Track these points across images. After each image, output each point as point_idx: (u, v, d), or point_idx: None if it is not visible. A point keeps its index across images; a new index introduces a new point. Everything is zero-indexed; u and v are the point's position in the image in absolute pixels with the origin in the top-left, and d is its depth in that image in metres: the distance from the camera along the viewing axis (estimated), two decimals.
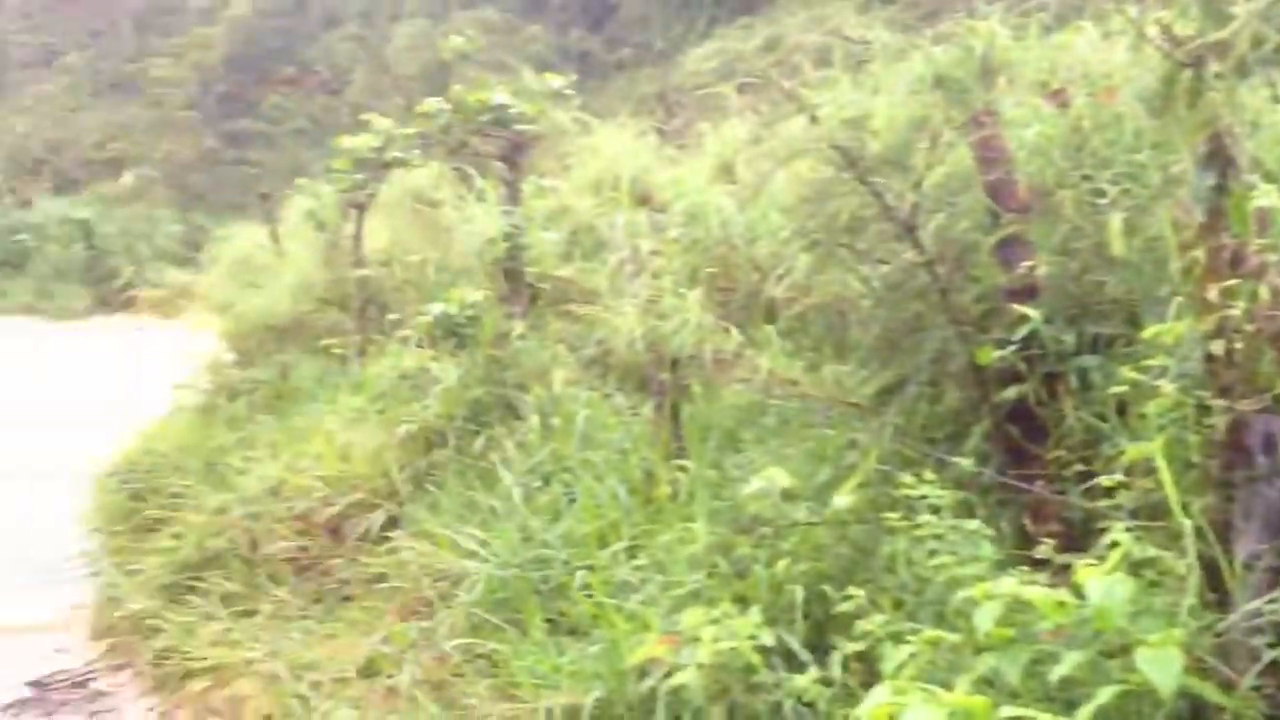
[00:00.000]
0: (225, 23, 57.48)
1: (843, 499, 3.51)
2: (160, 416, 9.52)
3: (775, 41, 27.26)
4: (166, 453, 8.12)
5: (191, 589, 6.25)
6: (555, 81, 6.64)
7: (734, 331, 4.72)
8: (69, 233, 37.12)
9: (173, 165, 42.97)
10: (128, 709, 5.70)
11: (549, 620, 4.29)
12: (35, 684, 6.01)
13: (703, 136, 6.77)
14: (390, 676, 4.67)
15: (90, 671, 6.22)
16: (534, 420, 5.40)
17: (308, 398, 8.14)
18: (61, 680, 6.09)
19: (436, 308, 6.05)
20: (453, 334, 5.98)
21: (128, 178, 45.20)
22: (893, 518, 3.31)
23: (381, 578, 5.49)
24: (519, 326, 5.97)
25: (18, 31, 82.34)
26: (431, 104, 6.43)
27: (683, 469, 4.63)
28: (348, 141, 7.37)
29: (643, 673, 3.41)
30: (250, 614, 5.89)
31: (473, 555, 4.90)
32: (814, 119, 3.71)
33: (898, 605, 3.21)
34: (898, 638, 2.87)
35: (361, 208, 7.98)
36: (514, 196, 6.43)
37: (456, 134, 6.37)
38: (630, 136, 6.13)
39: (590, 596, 4.10)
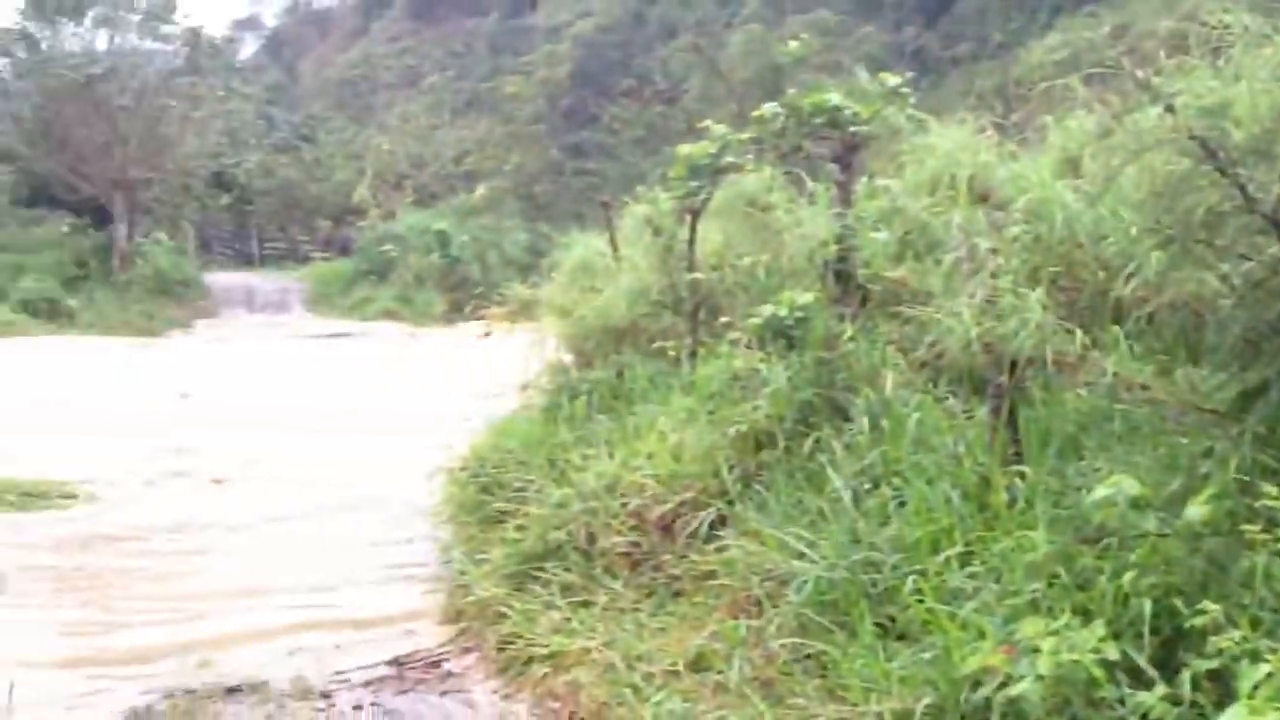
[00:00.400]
0: (571, 39, 60.07)
1: (1196, 510, 3.28)
2: (507, 415, 10.06)
3: (1124, 29, 25.82)
4: (513, 449, 8.55)
5: (534, 578, 6.58)
6: (891, 81, 6.54)
7: (1078, 333, 4.51)
8: (428, 243, 39.76)
9: (521, 177, 45.28)
10: (475, 689, 6.01)
11: (878, 624, 4.24)
12: (394, 663, 6.43)
13: (1045, 131, 6.48)
14: (719, 672, 4.75)
15: (443, 653, 6.61)
16: (863, 422, 5.35)
17: (642, 398, 8.36)
18: (417, 661, 6.49)
19: (766, 310, 6.08)
20: (782, 336, 6.00)
21: (481, 190, 48.01)
22: (1252, 530, 3.07)
23: (711, 575, 5.58)
24: (849, 328, 5.92)
25: (385, 56, 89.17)
26: (767, 109, 6.47)
27: (1020, 475, 4.46)
28: (685, 149, 7.52)
29: (977, 682, 3.31)
30: (587, 604, 6.14)
31: (801, 556, 4.91)
32: (1169, 109, 3.49)
33: (1255, 623, 2.98)
34: (1255, 656, 2.66)
35: (695, 213, 8.13)
36: (846, 198, 6.38)
37: (791, 138, 6.39)
38: (968, 133, 5.96)
39: (921, 602, 4.02)
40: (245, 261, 50.84)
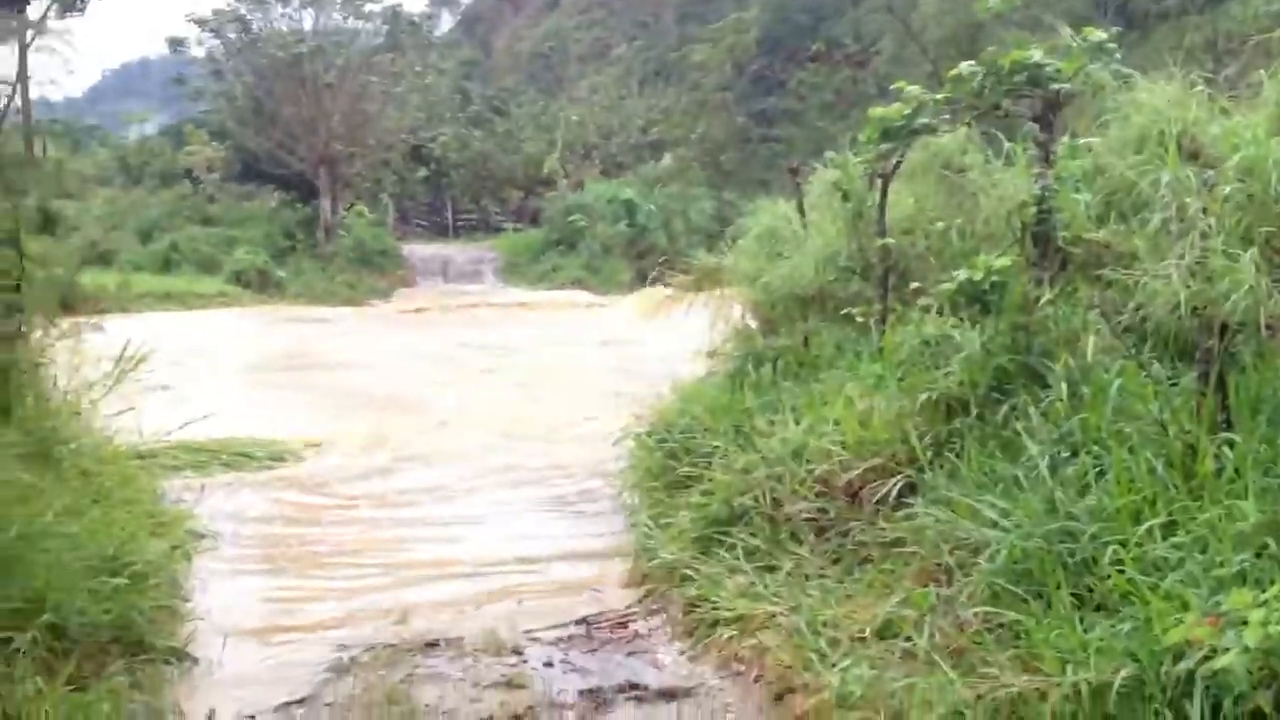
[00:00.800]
0: (759, 4, 59.50)
1: None
2: (693, 381, 10.11)
3: None
4: (698, 415, 8.59)
5: (719, 543, 6.61)
6: (1095, 35, 6.27)
7: None
8: (615, 212, 40.17)
9: (707, 145, 45.19)
10: (661, 650, 6.08)
11: (1074, 594, 4.12)
12: (582, 622, 6.56)
13: (1259, 86, 6.12)
14: (907, 639, 4.69)
15: (629, 615, 6.71)
16: (1061, 389, 5.18)
17: (829, 365, 8.30)
18: (605, 621, 6.60)
19: (961, 274, 5.94)
20: (977, 300, 5.85)
21: (667, 159, 48.14)
22: None
23: (899, 543, 5.52)
24: (1047, 292, 5.73)
25: (575, 28, 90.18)
26: (964, 68, 6.28)
27: (1229, 443, 4.26)
28: (878, 111, 7.36)
29: (1178, 654, 3.19)
30: (772, 570, 6.14)
31: (994, 525, 4.80)
32: None
33: None
34: None
35: (887, 177, 7.98)
36: (1046, 158, 6.17)
37: (989, 97, 6.19)
38: (1176, 89, 5.66)
39: (1122, 572, 3.89)
40: (440, 233, 52.34)
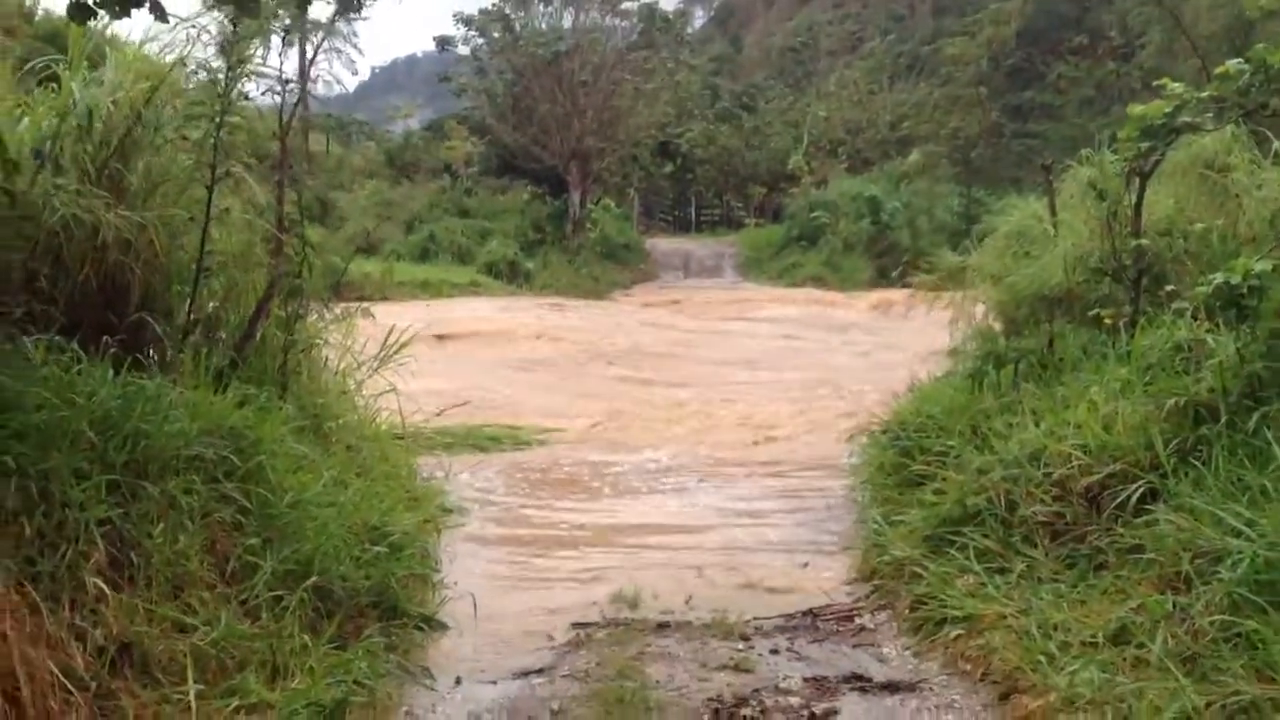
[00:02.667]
0: None
1: None
2: (931, 380, 10.04)
3: None
4: (934, 414, 8.53)
5: (950, 542, 6.57)
6: None
7: None
8: (859, 209, 39.78)
9: (958, 141, 44.14)
10: (887, 645, 6.11)
11: None
12: (809, 613, 6.66)
13: None
14: (1140, 646, 4.62)
15: (856, 608, 6.77)
16: None
17: (1073, 368, 8.10)
18: (831, 613, 6.68)
19: (1218, 277, 5.73)
20: (1234, 305, 5.63)
21: (915, 155, 47.29)
22: None
23: (1137, 549, 5.39)
24: None
25: (827, 22, 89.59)
26: (1231, 65, 6.04)
27: None
28: (1138, 108, 7.12)
29: None
30: (1003, 571, 6.08)
31: (1238, 534, 4.66)
32: None
33: None
34: None
35: (1145, 176, 7.72)
36: None
37: (1257, 95, 5.94)
38: None
39: None
40: (683, 227, 53.11)
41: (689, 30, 53.09)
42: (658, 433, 12.72)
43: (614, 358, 19.49)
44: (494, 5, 40.91)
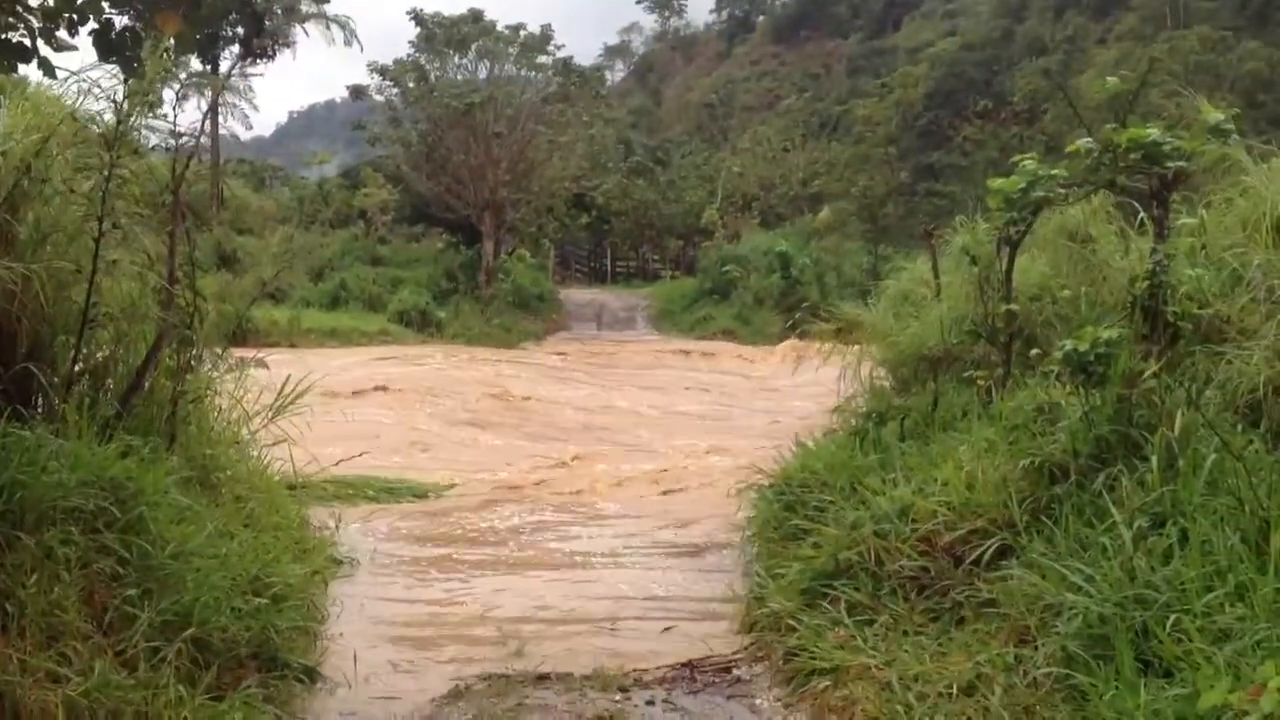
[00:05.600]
0: (930, 60, 59.36)
1: None
2: (817, 437, 10.28)
3: None
4: (817, 470, 8.76)
5: (824, 595, 6.78)
6: (1214, 116, 6.33)
7: None
8: (770, 263, 40.38)
9: (867, 199, 45.10)
10: (759, 697, 6.28)
11: (1142, 660, 4.22)
12: (687, 665, 6.80)
13: None
14: (986, 697, 4.83)
15: (735, 659, 6.93)
16: (1154, 461, 5.26)
17: (951, 426, 8.40)
18: (710, 665, 6.82)
19: (1068, 344, 6.05)
20: (1083, 370, 5.94)
21: (825, 212, 48.23)
22: None
23: (991, 603, 5.64)
24: (1153, 365, 5.80)
25: (745, 79, 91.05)
26: (1081, 144, 6.40)
27: None
28: (998, 181, 7.52)
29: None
30: (872, 623, 6.29)
31: (1077, 589, 4.91)
32: None
33: None
34: None
35: (1014, 244, 8.09)
36: (1160, 233, 6.24)
37: (1105, 173, 6.29)
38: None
39: (1181, 641, 3.99)
40: (599, 278, 53.43)
41: (607, 83, 53.71)
42: (558, 485, 12.82)
43: (518, 411, 19.55)
44: (409, 56, 41.10)
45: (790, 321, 36.25)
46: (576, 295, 44.82)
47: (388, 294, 36.38)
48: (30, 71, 5.71)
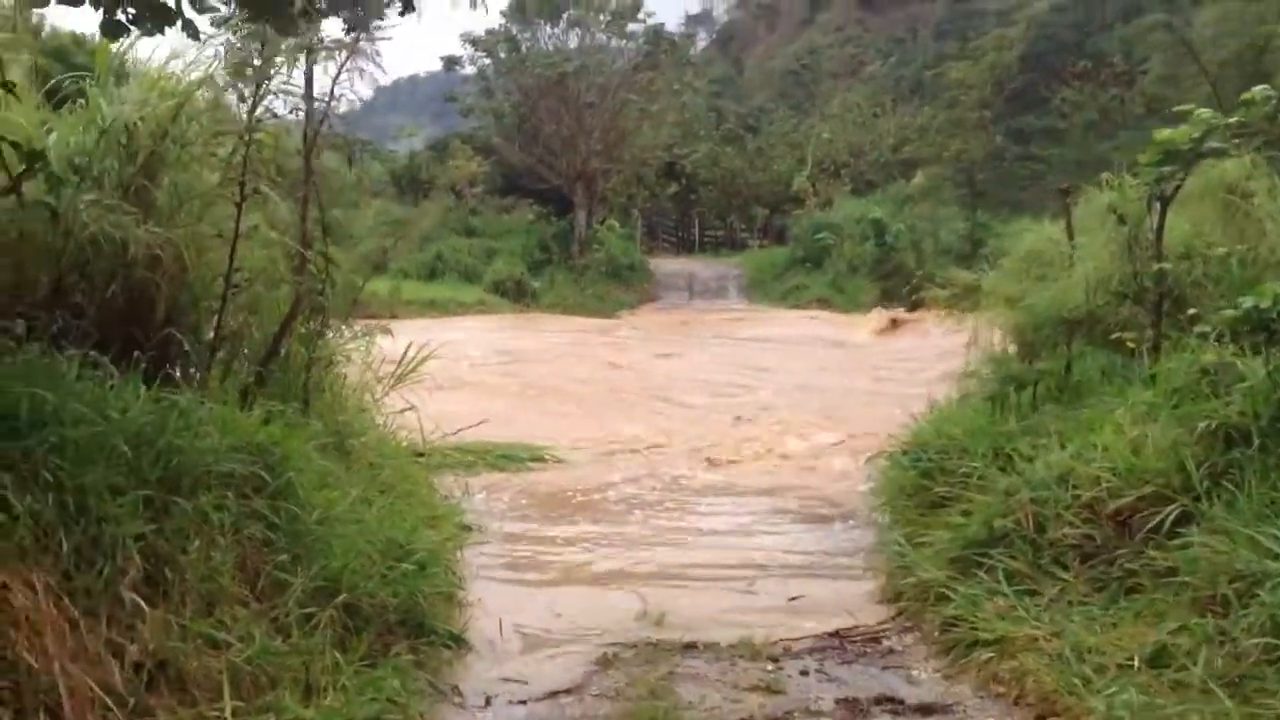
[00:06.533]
0: (1024, 21, 57.99)
1: None
2: (948, 403, 10.03)
3: None
4: (955, 436, 8.52)
5: (977, 564, 6.56)
6: None
7: None
8: (863, 231, 39.87)
9: (961, 164, 44.24)
10: (915, 667, 6.08)
11: None
12: (835, 635, 6.64)
13: None
14: (1179, 669, 4.61)
15: (883, 629, 6.75)
16: None
17: (1092, 391, 8.11)
18: (858, 635, 6.65)
19: (1247, 301, 5.75)
20: (1263, 329, 5.64)
21: (919, 178, 47.40)
22: None
23: (1170, 572, 5.39)
24: None
25: (829, 45, 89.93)
26: (1256, 92, 6.05)
27: None
28: (1164, 133, 7.12)
29: None
30: (1033, 594, 6.07)
31: (1276, 557, 4.66)
32: None
33: None
34: None
35: (1166, 201, 7.75)
36: None
37: None
38: None
39: None
40: (686, 248, 53.17)
41: (692, 52, 53.27)
42: (674, 454, 12.72)
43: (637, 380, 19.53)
44: (500, 26, 41.11)
45: (886, 289, 35.93)
46: (666, 265, 44.60)
47: (482, 265, 36.57)
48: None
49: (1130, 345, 7.95)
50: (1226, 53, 34.11)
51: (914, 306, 26.87)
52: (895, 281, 35.57)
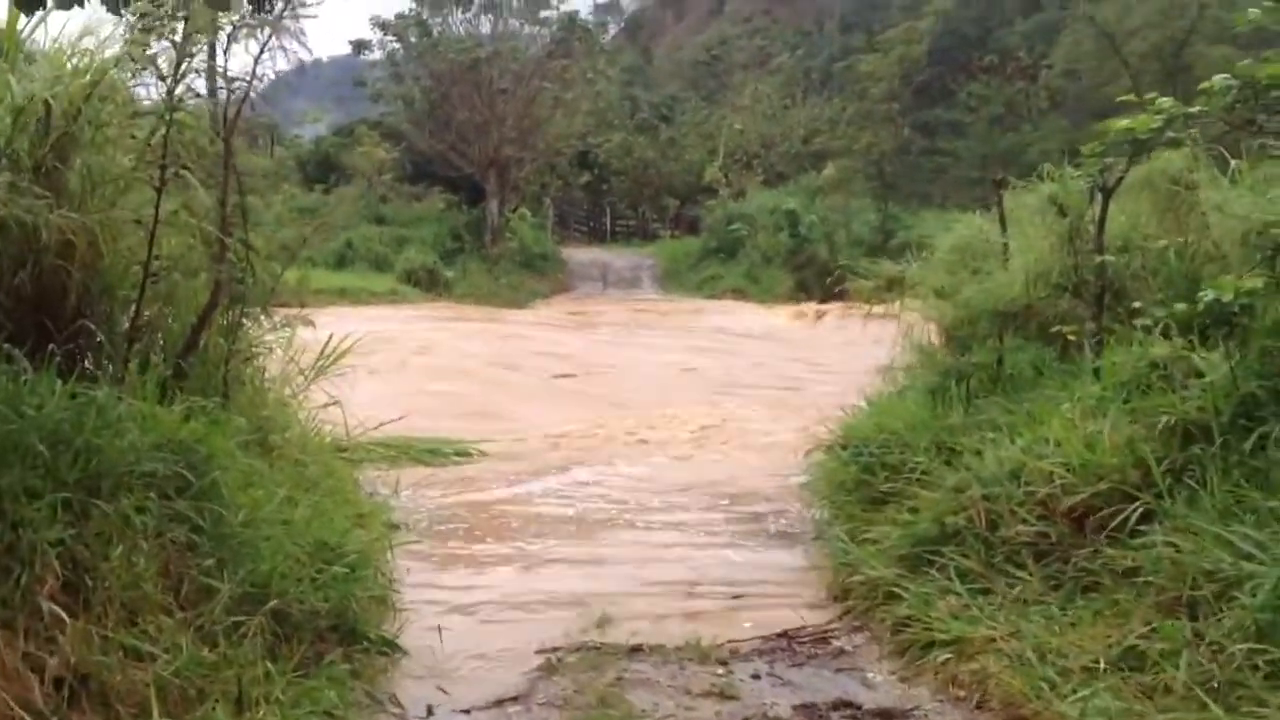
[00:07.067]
0: (930, 15, 58.56)
1: None
2: (883, 396, 9.91)
3: None
4: (896, 430, 8.39)
5: (929, 562, 6.44)
6: None
7: None
8: (777, 222, 40.01)
9: (871, 156, 44.61)
10: (870, 669, 5.93)
11: None
12: (784, 635, 6.46)
13: None
14: (1155, 672, 4.50)
15: (831, 629, 6.59)
16: None
17: (1025, 384, 8.04)
18: (808, 635, 6.49)
19: (1208, 295, 5.66)
20: (1225, 323, 5.57)
21: (830, 170, 47.64)
22: None
23: (1131, 572, 5.29)
24: None
25: (737, 36, 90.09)
26: (1217, 81, 5.96)
27: None
28: (1121, 122, 6.94)
29: None
30: (986, 592, 5.95)
31: (1248, 557, 4.57)
32: None
33: None
34: None
35: (1108, 192, 7.69)
36: None
37: (1242, 111, 5.89)
38: None
39: None
40: (598, 238, 52.95)
41: (604, 39, 52.96)
42: (599, 445, 12.49)
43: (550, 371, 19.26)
44: (411, 10, 40.38)
45: (800, 280, 36.10)
46: (579, 255, 44.34)
47: (393, 253, 35.95)
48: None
49: (1070, 338, 7.88)
50: (1147, 45, 34.79)
51: (829, 298, 26.91)
52: (809, 272, 35.81)
